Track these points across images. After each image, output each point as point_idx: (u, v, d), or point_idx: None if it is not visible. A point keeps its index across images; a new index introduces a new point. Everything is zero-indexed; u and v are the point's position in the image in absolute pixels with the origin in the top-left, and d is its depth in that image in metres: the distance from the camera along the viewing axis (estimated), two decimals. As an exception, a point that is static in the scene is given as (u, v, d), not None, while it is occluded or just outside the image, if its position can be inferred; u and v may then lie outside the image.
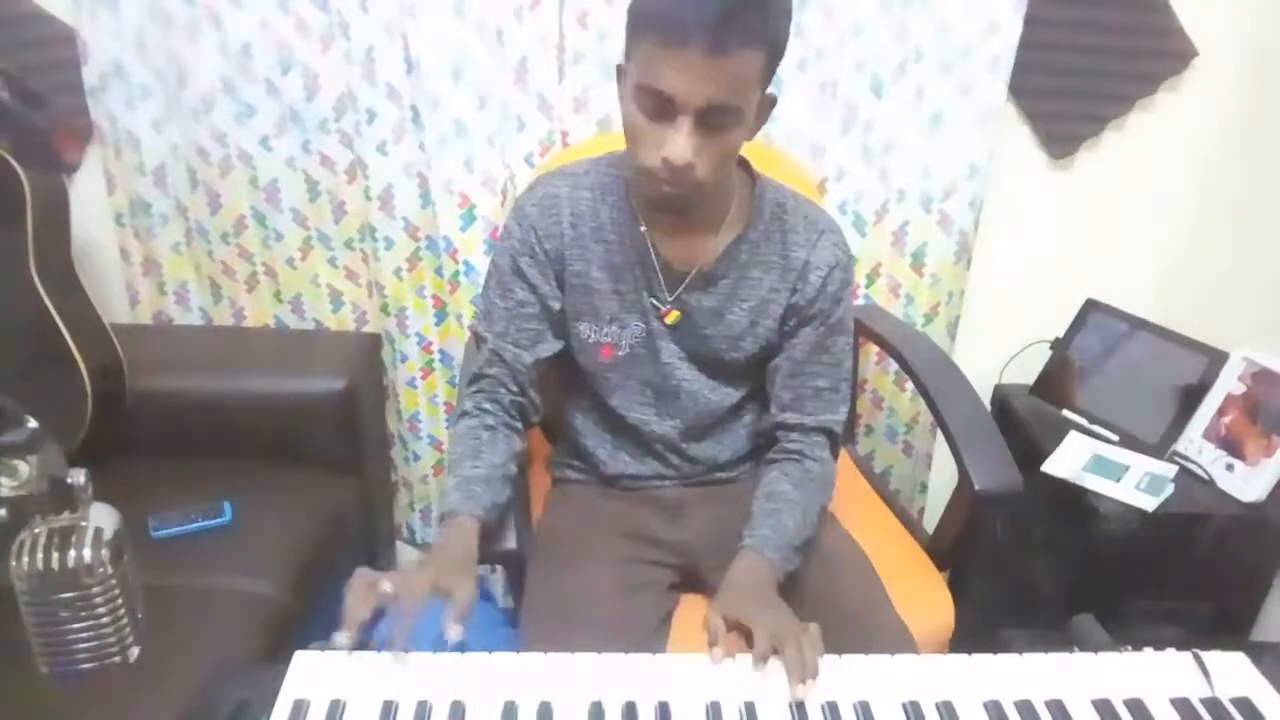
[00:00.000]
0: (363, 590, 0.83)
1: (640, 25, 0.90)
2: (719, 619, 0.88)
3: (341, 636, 0.80)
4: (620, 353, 1.13)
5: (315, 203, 1.64)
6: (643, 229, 1.08)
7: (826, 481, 1.13)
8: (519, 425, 1.13)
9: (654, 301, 1.10)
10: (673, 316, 1.10)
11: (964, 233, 1.67)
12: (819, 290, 1.10)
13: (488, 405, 1.11)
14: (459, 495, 1.01)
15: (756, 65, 0.90)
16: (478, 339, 1.14)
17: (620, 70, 0.98)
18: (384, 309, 1.70)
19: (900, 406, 1.82)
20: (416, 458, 1.83)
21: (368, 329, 1.76)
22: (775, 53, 0.92)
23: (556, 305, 1.11)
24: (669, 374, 1.14)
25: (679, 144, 0.90)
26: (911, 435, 1.85)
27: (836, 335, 1.13)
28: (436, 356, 1.74)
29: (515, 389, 1.12)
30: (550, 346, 1.12)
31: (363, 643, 0.81)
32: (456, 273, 1.63)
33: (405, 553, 1.95)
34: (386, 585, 0.83)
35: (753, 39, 0.88)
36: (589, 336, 1.12)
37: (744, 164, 1.10)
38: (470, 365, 1.16)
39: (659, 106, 0.90)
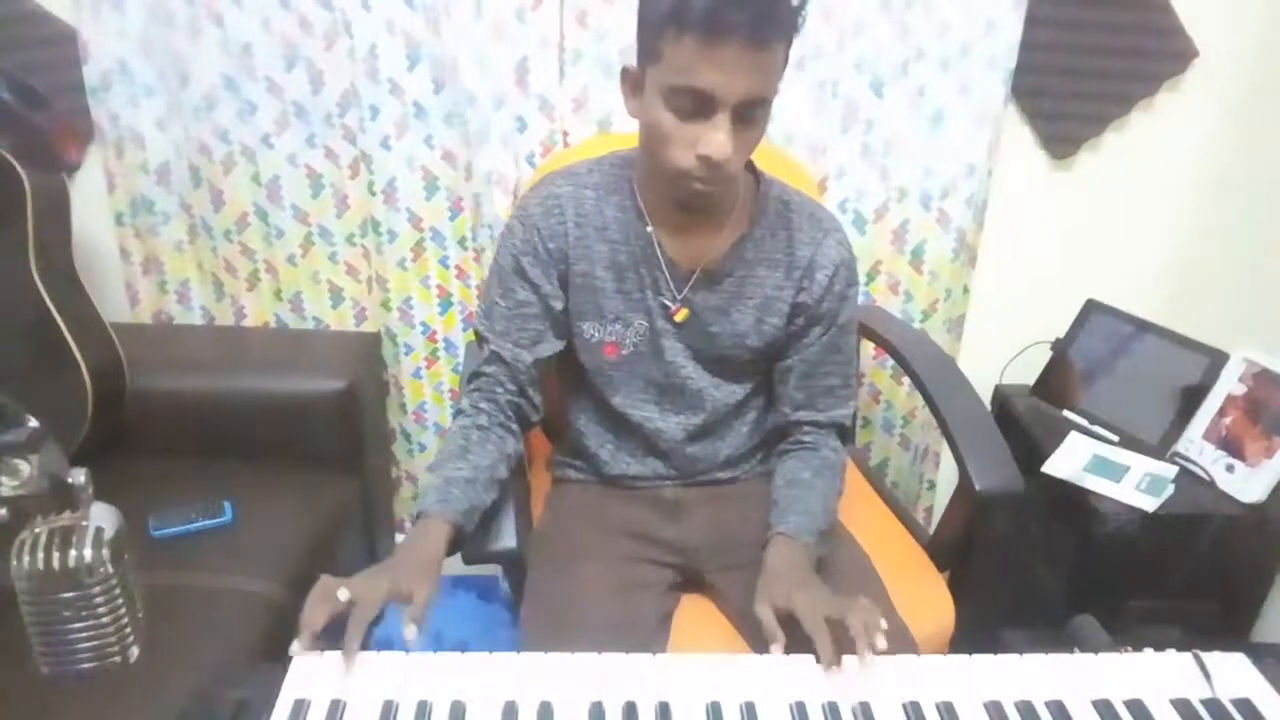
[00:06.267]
0: (319, 598, 0.84)
1: (672, 25, 0.88)
2: (768, 610, 0.89)
3: (295, 644, 0.80)
4: (624, 351, 1.13)
5: (318, 198, 1.64)
6: (649, 228, 1.08)
7: (841, 470, 1.15)
8: (514, 426, 1.13)
9: (662, 300, 1.10)
10: (682, 315, 1.11)
11: (962, 230, 1.67)
12: (826, 289, 1.10)
13: (484, 404, 1.11)
14: (435, 496, 1.01)
15: (783, 56, 0.91)
16: (479, 338, 1.15)
17: (629, 74, 0.98)
18: (385, 304, 1.70)
19: (897, 400, 1.83)
20: (422, 448, 1.84)
21: (367, 325, 1.77)
22: (792, 42, 0.93)
23: (558, 305, 1.11)
24: (673, 372, 1.14)
25: (719, 140, 0.90)
26: (909, 429, 1.86)
27: (846, 335, 1.15)
28: (441, 345, 1.75)
29: (513, 388, 1.12)
30: (551, 346, 1.12)
31: (320, 647, 0.81)
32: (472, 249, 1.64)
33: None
34: (343, 593, 0.84)
35: (785, 30, 0.89)
36: (592, 336, 1.12)
37: (748, 163, 1.10)
38: (470, 364, 1.16)
39: (695, 105, 0.90)
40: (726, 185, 0.98)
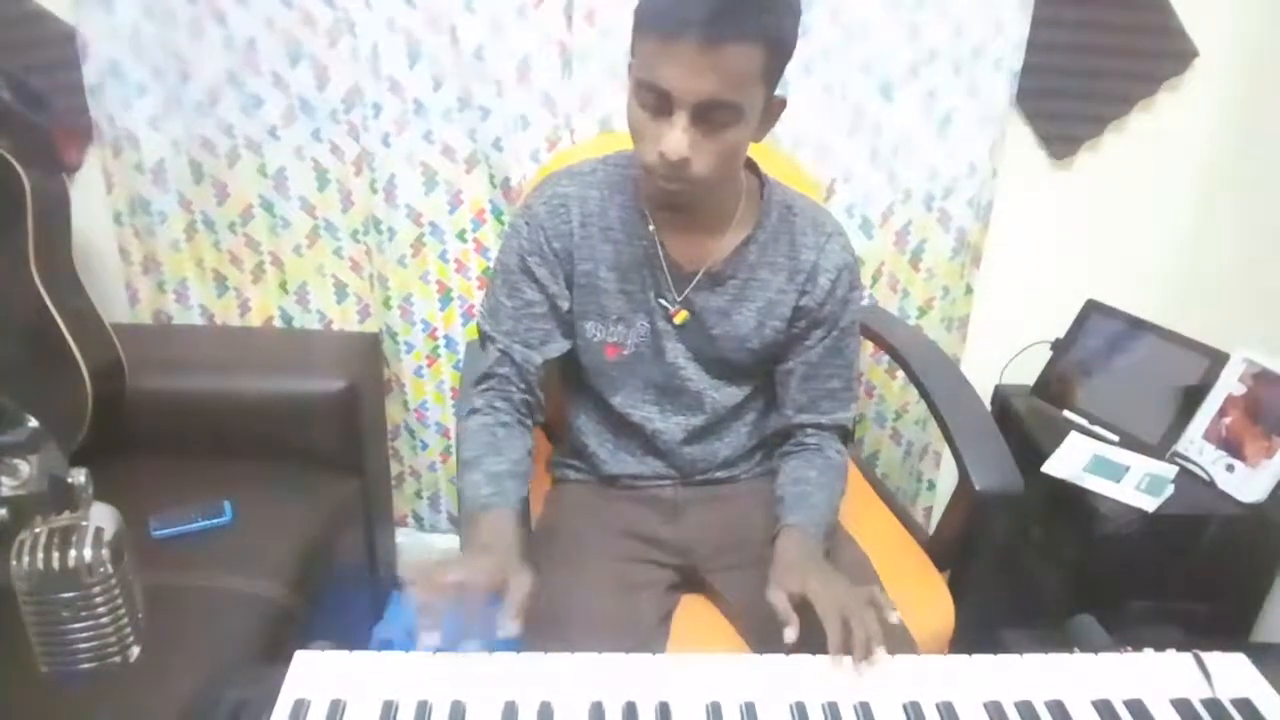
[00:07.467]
0: (429, 584, 0.83)
1: (640, 22, 0.91)
2: (782, 595, 0.90)
3: (428, 636, 0.79)
4: (625, 352, 1.13)
5: (324, 191, 1.65)
6: (651, 228, 1.08)
7: (843, 472, 1.15)
8: (529, 423, 1.13)
9: (662, 301, 1.10)
10: (681, 317, 1.11)
11: (963, 230, 1.67)
12: (828, 293, 1.10)
13: (499, 403, 1.10)
14: (491, 489, 1.00)
15: (754, 62, 0.89)
16: (484, 338, 1.14)
17: (629, 69, 0.99)
18: (386, 303, 1.71)
19: (890, 394, 1.84)
20: (424, 445, 1.84)
21: (371, 321, 1.77)
22: (777, 50, 0.91)
23: (565, 305, 1.11)
24: (674, 373, 1.14)
25: (674, 139, 0.90)
26: (901, 424, 1.86)
27: (848, 338, 1.15)
28: (441, 343, 1.76)
29: (524, 387, 1.11)
30: (558, 346, 1.12)
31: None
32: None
33: (408, 547, 1.95)
34: (451, 575, 0.83)
35: (748, 35, 0.87)
36: (594, 336, 1.12)
37: (751, 166, 1.10)
38: (478, 365, 1.15)
39: (658, 102, 0.91)
40: (695, 187, 0.96)
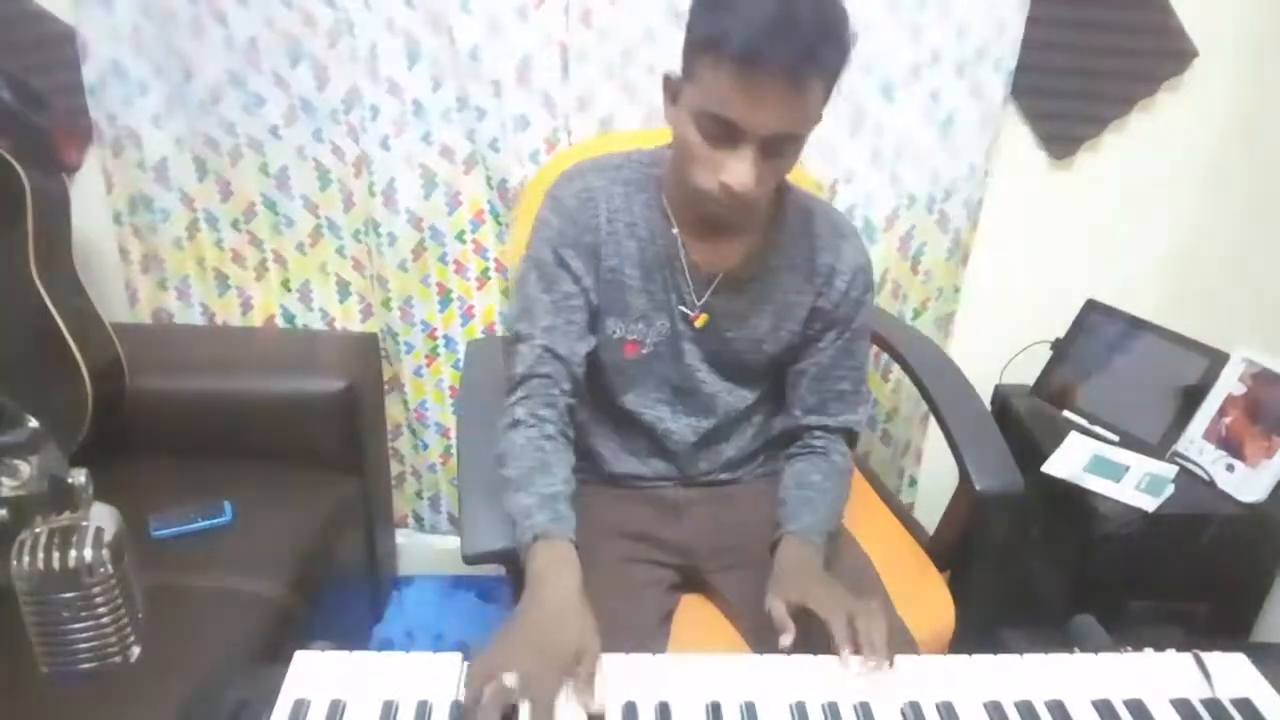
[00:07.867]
0: (491, 694, 0.74)
1: (713, 49, 0.86)
2: (781, 605, 0.89)
3: None
4: (644, 350, 1.12)
5: (326, 191, 1.65)
6: (674, 230, 1.07)
7: (848, 476, 1.15)
8: (571, 433, 1.08)
9: (682, 306, 1.10)
10: (702, 320, 1.10)
11: (958, 230, 1.67)
12: (843, 295, 1.10)
13: (543, 412, 1.04)
14: (546, 516, 0.94)
15: (823, 95, 0.90)
16: (517, 339, 1.08)
17: (670, 84, 0.97)
18: (385, 304, 1.71)
19: (882, 396, 1.84)
20: (425, 446, 1.84)
21: (373, 320, 1.77)
22: (836, 79, 0.91)
23: (595, 299, 1.09)
24: (689, 375, 1.13)
25: (743, 172, 0.90)
26: (891, 424, 1.87)
27: (860, 340, 1.14)
28: (441, 342, 1.76)
29: (568, 388, 1.06)
30: (590, 341, 1.09)
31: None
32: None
33: (408, 547, 1.96)
34: (510, 678, 0.75)
35: (827, 72, 0.88)
36: (615, 332, 1.11)
37: None
38: (515, 367, 1.07)
39: (723, 132, 0.89)
40: (750, 209, 0.97)
